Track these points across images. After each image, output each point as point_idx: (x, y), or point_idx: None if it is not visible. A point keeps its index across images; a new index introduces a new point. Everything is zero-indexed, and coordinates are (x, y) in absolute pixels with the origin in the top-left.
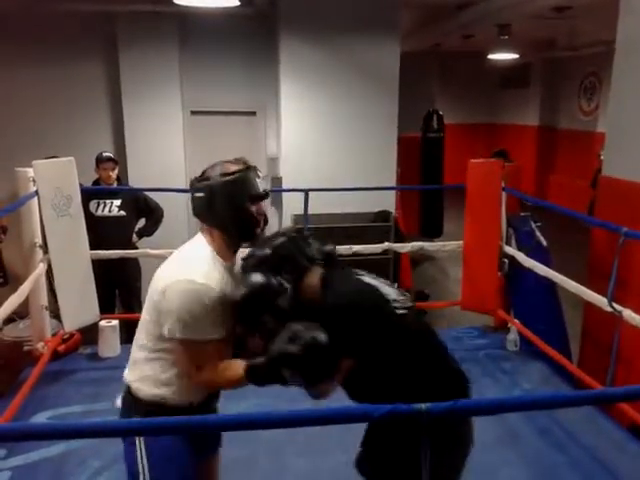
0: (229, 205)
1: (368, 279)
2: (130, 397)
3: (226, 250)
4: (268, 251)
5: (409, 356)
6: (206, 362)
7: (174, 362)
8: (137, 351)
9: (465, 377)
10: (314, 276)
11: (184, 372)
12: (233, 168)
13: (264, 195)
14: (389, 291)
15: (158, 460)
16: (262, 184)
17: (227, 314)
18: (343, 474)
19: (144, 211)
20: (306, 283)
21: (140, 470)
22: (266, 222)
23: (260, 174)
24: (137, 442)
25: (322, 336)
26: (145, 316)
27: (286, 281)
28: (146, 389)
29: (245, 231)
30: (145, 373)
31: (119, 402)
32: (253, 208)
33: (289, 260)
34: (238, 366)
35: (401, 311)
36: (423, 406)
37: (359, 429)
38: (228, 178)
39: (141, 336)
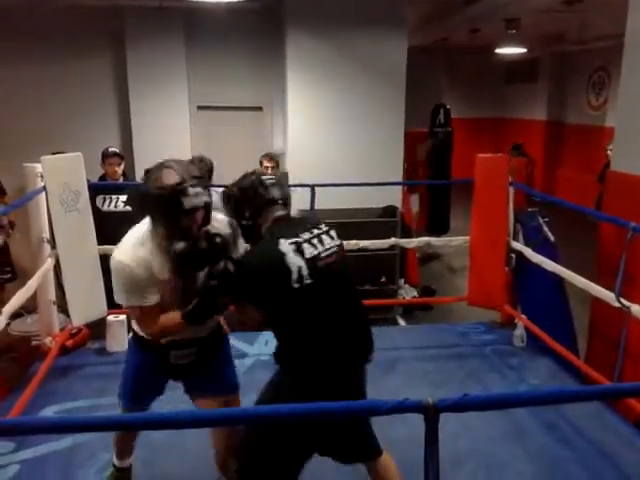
0: (163, 218)
1: (286, 246)
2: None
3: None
4: (235, 190)
5: (293, 324)
6: (147, 320)
7: None
8: None
9: (343, 358)
10: (269, 217)
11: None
12: (169, 182)
13: (193, 210)
14: (296, 262)
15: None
16: (197, 198)
17: (158, 284)
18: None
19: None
20: (261, 221)
21: None
22: (206, 222)
23: (193, 189)
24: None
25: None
26: None
27: (247, 217)
28: (135, 327)
29: (181, 236)
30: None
31: None
32: (185, 220)
33: (250, 200)
34: (175, 315)
35: (296, 285)
36: (430, 400)
37: None
38: (161, 192)
39: None
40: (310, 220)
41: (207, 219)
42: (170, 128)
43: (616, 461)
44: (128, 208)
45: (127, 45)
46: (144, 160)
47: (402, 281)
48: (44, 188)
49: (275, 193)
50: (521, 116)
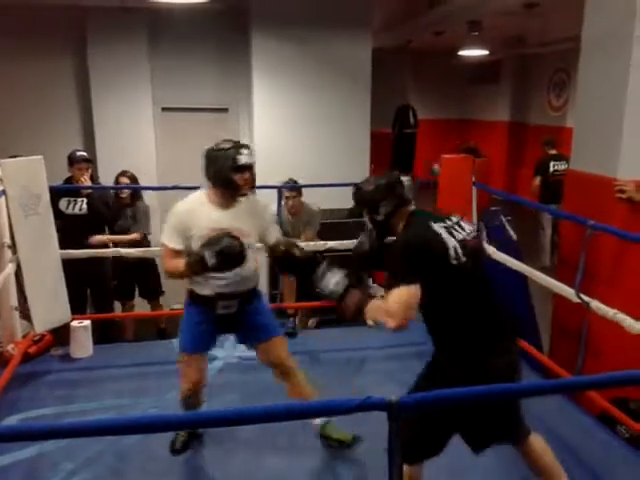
0: (217, 172)
1: (437, 227)
2: None
3: (220, 200)
4: (371, 187)
5: (450, 299)
6: (164, 258)
7: None
8: None
9: (499, 328)
10: (404, 213)
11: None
12: (224, 145)
13: (244, 167)
14: (451, 242)
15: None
16: (246, 158)
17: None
18: (318, 472)
19: (103, 212)
20: (396, 218)
21: None
22: (253, 186)
23: (246, 151)
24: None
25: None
26: None
27: (382, 214)
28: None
29: (231, 192)
30: None
31: None
32: (236, 176)
33: (389, 197)
34: (179, 262)
35: (454, 262)
36: (393, 398)
37: None
38: (217, 153)
39: None
40: (440, 214)
41: (253, 180)
42: (134, 129)
43: (578, 453)
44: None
45: (89, 45)
46: (108, 161)
47: (370, 281)
48: (3, 192)
49: (407, 193)
50: (485, 117)
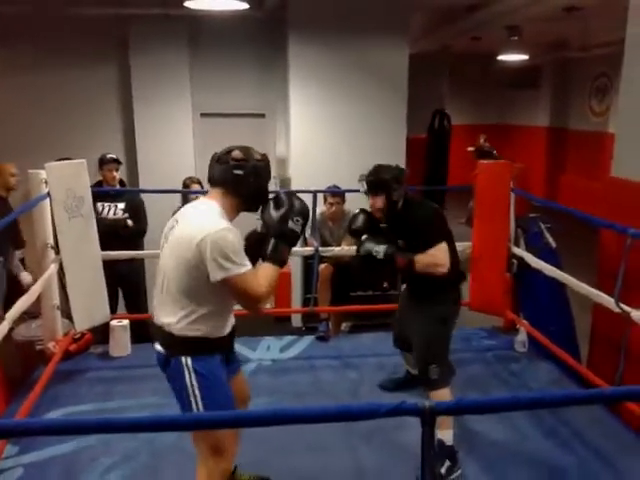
0: (260, 184)
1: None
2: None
3: (233, 213)
4: (391, 175)
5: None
6: (255, 282)
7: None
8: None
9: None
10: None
11: (246, 303)
12: (257, 155)
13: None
14: None
15: (206, 388)
16: None
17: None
18: (350, 473)
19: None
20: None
21: (192, 399)
22: None
23: None
24: (186, 374)
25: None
26: (175, 273)
27: (399, 194)
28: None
29: (260, 202)
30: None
31: None
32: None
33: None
34: (266, 267)
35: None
36: (427, 403)
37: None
38: (261, 164)
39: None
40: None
41: None
42: (173, 135)
43: (617, 467)
44: (127, 215)
45: (131, 52)
46: (148, 166)
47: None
48: (48, 194)
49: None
50: (523, 122)
